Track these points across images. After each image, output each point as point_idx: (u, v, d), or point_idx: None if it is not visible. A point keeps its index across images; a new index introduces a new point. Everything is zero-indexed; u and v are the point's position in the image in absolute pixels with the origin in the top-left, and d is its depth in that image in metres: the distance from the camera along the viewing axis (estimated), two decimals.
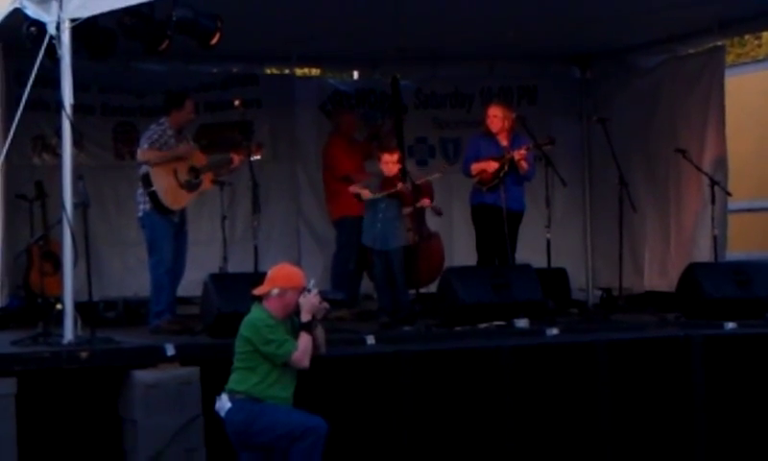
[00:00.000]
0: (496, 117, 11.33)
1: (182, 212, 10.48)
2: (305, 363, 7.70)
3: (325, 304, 7.86)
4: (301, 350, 7.66)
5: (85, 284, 9.18)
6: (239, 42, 10.67)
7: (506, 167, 11.09)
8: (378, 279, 10.87)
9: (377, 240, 10.71)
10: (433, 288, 10.91)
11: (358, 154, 12.03)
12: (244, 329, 7.75)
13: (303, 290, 7.76)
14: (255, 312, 7.79)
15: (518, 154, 11.05)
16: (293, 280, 7.80)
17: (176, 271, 10.37)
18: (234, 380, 7.75)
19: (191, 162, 10.43)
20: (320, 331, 7.88)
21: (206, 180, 10.50)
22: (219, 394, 7.78)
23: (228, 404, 7.69)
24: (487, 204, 11.23)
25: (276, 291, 7.75)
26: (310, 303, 7.71)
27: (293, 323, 7.79)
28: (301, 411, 7.74)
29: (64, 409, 8.40)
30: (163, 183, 10.22)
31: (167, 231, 10.28)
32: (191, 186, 10.38)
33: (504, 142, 11.27)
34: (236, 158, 10.63)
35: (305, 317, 7.71)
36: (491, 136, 11.35)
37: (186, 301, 11.00)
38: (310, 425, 7.59)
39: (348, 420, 8.71)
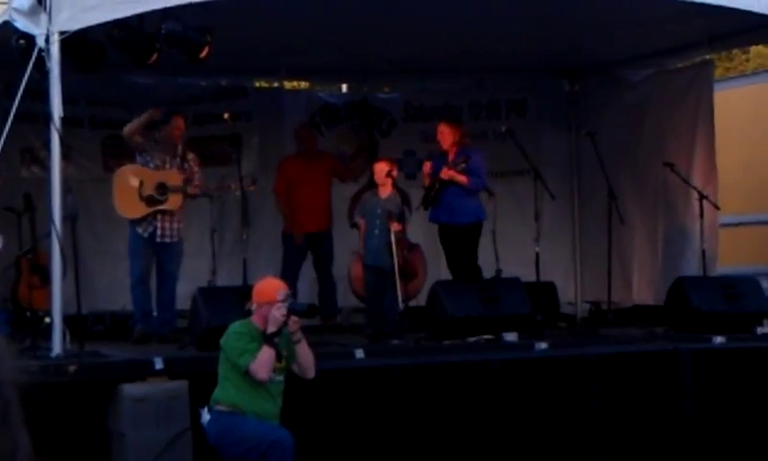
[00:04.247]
0: (444, 134, 11.29)
1: (163, 226, 10.41)
2: (261, 375, 7.60)
3: (294, 319, 7.75)
4: (258, 360, 7.59)
5: (74, 297, 9.19)
6: (228, 55, 10.68)
7: (437, 185, 11.06)
8: (369, 293, 10.87)
9: (371, 257, 10.71)
10: (422, 302, 10.89)
11: (314, 167, 11.90)
12: (222, 337, 7.79)
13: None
14: (238, 322, 7.82)
15: (445, 174, 10.97)
16: (264, 296, 7.79)
17: (162, 283, 10.37)
18: (216, 391, 7.77)
19: (163, 179, 10.38)
20: (308, 353, 7.84)
21: (173, 200, 10.38)
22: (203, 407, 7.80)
23: (207, 416, 7.72)
24: (433, 221, 11.33)
25: (254, 306, 7.78)
26: (273, 316, 7.65)
27: (285, 336, 7.74)
28: (270, 425, 7.70)
29: (52, 423, 8.36)
30: (120, 189, 10.30)
31: (136, 244, 10.40)
32: (152, 201, 10.33)
33: (451, 158, 11.24)
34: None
35: (270, 329, 7.66)
36: (443, 153, 11.34)
37: None
38: (274, 440, 7.57)
39: (336, 433, 8.71)
